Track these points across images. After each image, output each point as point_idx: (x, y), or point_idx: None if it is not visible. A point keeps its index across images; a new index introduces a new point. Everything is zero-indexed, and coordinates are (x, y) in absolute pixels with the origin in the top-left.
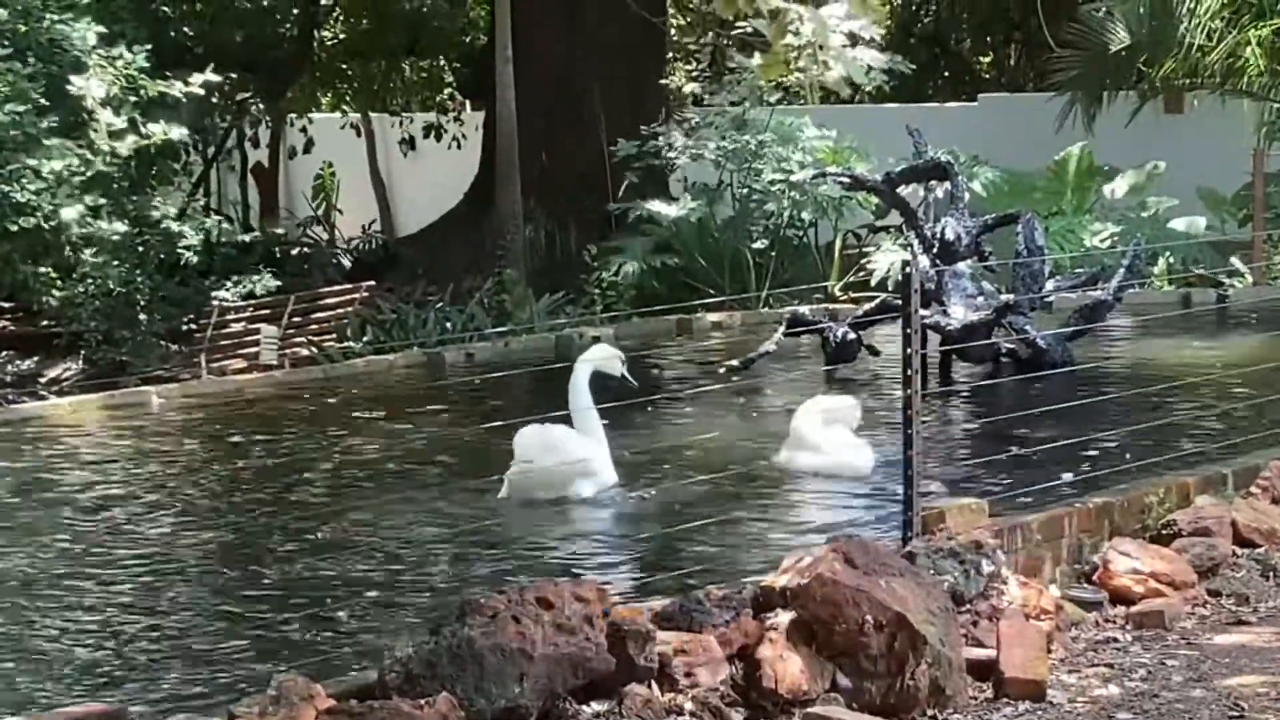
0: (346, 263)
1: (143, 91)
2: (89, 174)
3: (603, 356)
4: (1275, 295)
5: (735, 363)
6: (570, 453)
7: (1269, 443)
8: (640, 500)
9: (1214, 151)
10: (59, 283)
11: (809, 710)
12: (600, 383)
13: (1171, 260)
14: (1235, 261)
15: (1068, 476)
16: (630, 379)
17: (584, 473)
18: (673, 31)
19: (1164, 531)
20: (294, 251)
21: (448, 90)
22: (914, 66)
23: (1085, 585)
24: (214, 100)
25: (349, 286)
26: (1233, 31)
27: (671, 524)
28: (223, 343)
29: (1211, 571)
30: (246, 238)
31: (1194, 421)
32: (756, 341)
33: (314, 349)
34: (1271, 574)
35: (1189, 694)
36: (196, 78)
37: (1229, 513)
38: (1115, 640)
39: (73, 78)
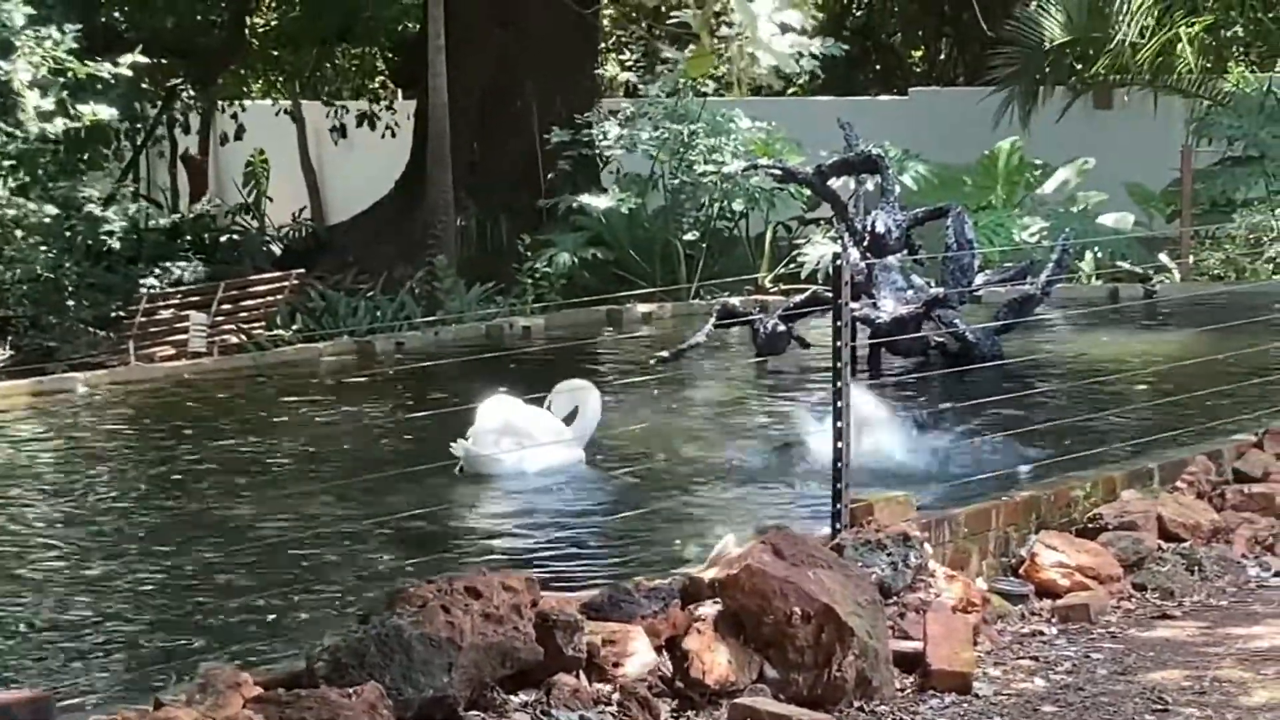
0: (277, 250)
1: (70, 74)
2: (16, 155)
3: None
4: (1202, 291)
5: (665, 354)
6: (532, 435)
7: (1194, 438)
8: (569, 490)
9: (1143, 147)
10: None
11: (736, 701)
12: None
13: (1100, 255)
14: (1163, 257)
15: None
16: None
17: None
18: (606, 22)
19: (1090, 525)
20: (224, 239)
21: (380, 79)
22: (846, 48)
23: (1012, 578)
24: (144, 86)
25: (279, 274)
26: (1164, 29)
27: (601, 514)
28: (151, 330)
29: (1137, 565)
30: (174, 219)
31: (1120, 415)
32: (687, 333)
33: (243, 337)
34: (1196, 568)
35: (1113, 687)
36: (126, 58)
37: (1155, 507)
38: (1041, 633)
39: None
